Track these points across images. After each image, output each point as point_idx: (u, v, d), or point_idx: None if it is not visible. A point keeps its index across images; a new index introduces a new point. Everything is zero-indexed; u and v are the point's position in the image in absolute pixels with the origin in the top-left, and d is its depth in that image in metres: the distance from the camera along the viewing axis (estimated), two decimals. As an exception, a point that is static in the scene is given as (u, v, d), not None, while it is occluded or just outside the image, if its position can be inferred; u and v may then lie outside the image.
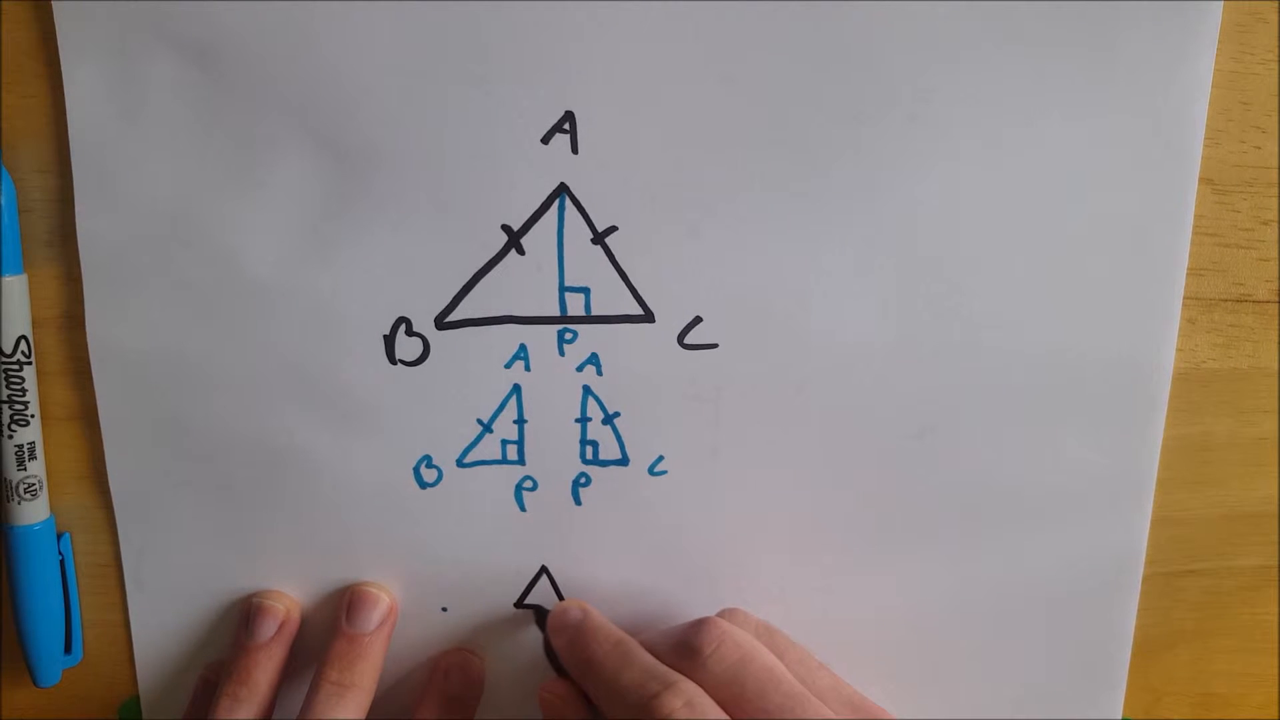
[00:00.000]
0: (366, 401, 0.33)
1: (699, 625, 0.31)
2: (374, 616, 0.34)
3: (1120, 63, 0.31)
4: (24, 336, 0.31)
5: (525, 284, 0.32)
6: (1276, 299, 0.35)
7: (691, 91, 0.31)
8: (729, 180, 0.32)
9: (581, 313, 0.33)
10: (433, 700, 0.35)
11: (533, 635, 0.36)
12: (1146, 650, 0.38)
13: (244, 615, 0.34)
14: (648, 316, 0.33)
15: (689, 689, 0.29)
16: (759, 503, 0.35)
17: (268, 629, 0.33)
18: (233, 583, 0.34)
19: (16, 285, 0.31)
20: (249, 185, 0.31)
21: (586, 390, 0.33)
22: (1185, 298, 0.34)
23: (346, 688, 0.32)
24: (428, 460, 0.34)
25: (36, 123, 0.30)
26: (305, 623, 0.35)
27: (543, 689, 0.33)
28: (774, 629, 0.33)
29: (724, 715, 0.28)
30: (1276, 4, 0.32)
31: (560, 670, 0.33)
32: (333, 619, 0.34)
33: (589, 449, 0.34)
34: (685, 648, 0.30)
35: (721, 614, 0.33)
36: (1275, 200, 0.34)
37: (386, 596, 0.34)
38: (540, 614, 0.35)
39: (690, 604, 0.35)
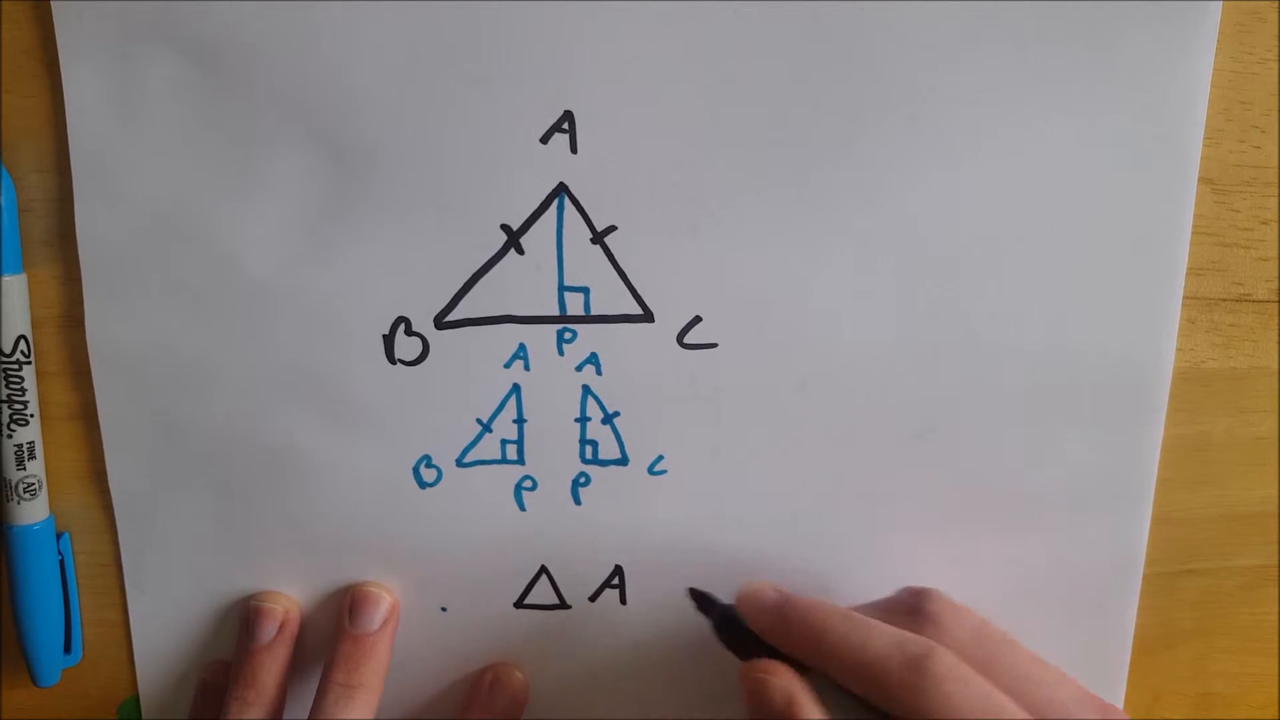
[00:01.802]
0: (366, 401, 0.33)
1: (925, 594, 0.31)
2: (377, 616, 0.34)
3: (1120, 62, 0.31)
4: (23, 336, 0.31)
5: (524, 284, 0.32)
6: (1276, 299, 0.35)
7: (691, 91, 0.31)
8: (728, 180, 0.32)
9: (581, 312, 0.33)
10: (476, 716, 0.35)
11: (533, 635, 0.36)
12: (1146, 650, 0.38)
13: (243, 618, 0.34)
14: (647, 316, 0.33)
15: (950, 651, 0.28)
16: (758, 503, 0.35)
17: (268, 630, 0.33)
18: (232, 583, 0.34)
19: (16, 285, 0.31)
20: (248, 185, 0.31)
21: (586, 390, 0.33)
22: (1185, 297, 0.34)
23: (354, 689, 0.32)
24: (427, 460, 0.34)
25: (36, 123, 0.30)
26: (306, 622, 0.35)
27: (754, 667, 0.30)
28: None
29: (982, 677, 0.28)
30: (1276, 4, 0.32)
31: (741, 652, 0.32)
32: (335, 619, 0.34)
33: (588, 449, 0.34)
34: (920, 614, 0.30)
35: (915, 590, 0.32)
36: (1275, 200, 0.34)
37: (388, 595, 0.34)
38: (701, 598, 0.33)
39: (690, 603, 0.35)
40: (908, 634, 0.29)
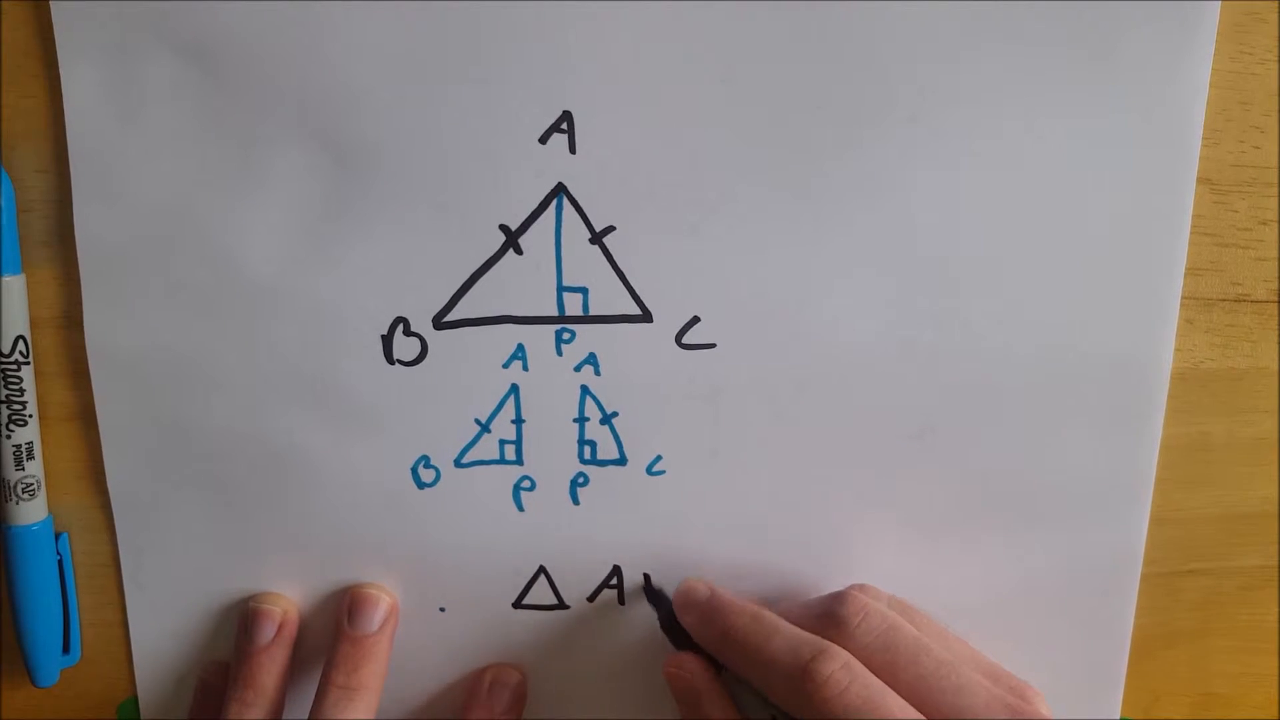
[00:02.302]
0: (364, 401, 0.33)
1: (840, 597, 0.31)
2: (376, 617, 0.34)
3: (1119, 63, 0.31)
4: (22, 336, 0.31)
5: (523, 284, 0.32)
6: (1275, 299, 0.35)
7: (690, 91, 0.31)
8: (727, 180, 0.32)
9: (579, 312, 0.33)
10: (476, 716, 0.35)
11: (532, 636, 0.36)
12: (1145, 650, 0.38)
13: (242, 620, 0.34)
14: (646, 316, 0.33)
15: (842, 652, 0.29)
16: (757, 503, 0.35)
17: (267, 631, 0.33)
18: (231, 583, 0.34)
19: (15, 285, 0.31)
20: (248, 185, 0.31)
21: (584, 390, 0.33)
22: (1183, 297, 0.34)
23: (354, 690, 0.32)
24: (426, 460, 0.34)
25: (35, 123, 0.30)
26: (305, 623, 0.35)
27: (669, 661, 0.33)
28: (906, 603, 0.34)
29: (877, 680, 0.28)
30: (1276, 4, 0.32)
31: (680, 647, 0.34)
32: (334, 621, 0.34)
33: (587, 449, 0.34)
34: (830, 617, 0.31)
35: (852, 589, 0.33)
36: (1274, 200, 0.34)
37: (387, 597, 0.34)
38: (652, 591, 0.35)
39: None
40: (806, 635, 0.30)
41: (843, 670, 0.28)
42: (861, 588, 0.34)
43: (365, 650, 0.33)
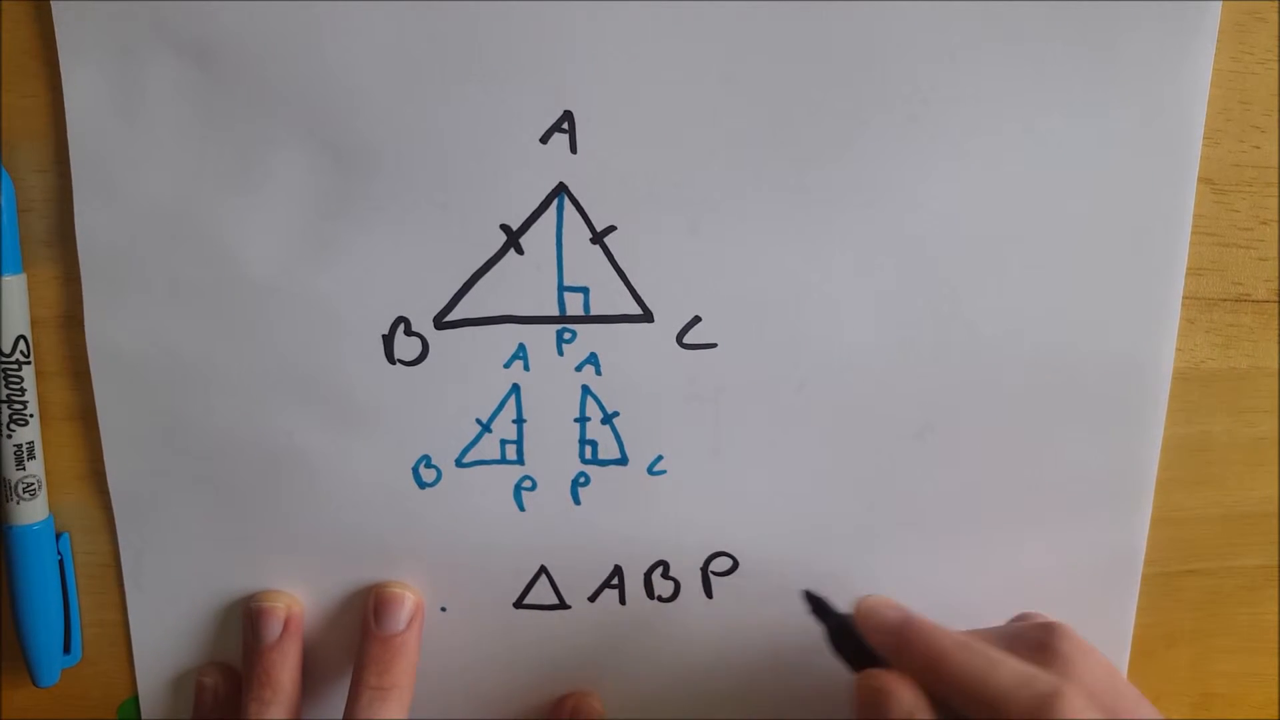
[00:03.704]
0: (365, 401, 0.33)
1: (1055, 629, 0.30)
2: (402, 616, 0.34)
3: (1120, 62, 0.31)
4: (23, 336, 0.31)
5: (524, 284, 0.32)
6: (1275, 299, 0.35)
7: (691, 91, 0.31)
8: (728, 180, 0.32)
9: (580, 312, 0.33)
10: None
11: (532, 635, 0.36)
12: (1146, 650, 0.38)
13: (247, 620, 0.34)
14: (647, 316, 0.33)
15: (1081, 691, 0.27)
16: (758, 503, 0.35)
17: (274, 628, 0.33)
18: (232, 583, 0.34)
19: (15, 285, 0.31)
20: (248, 185, 0.31)
21: (585, 390, 0.33)
22: (1184, 297, 0.34)
23: (387, 690, 0.32)
24: (427, 460, 0.34)
25: (36, 123, 0.30)
26: (309, 623, 0.35)
27: (874, 678, 0.30)
28: None
29: None
30: (1276, 4, 0.32)
31: (854, 664, 0.32)
32: (336, 618, 0.34)
33: (588, 449, 0.34)
34: (1049, 651, 0.29)
35: (1043, 624, 0.31)
36: (1274, 200, 0.34)
37: (411, 594, 0.34)
38: (818, 604, 0.33)
39: (690, 603, 0.35)
40: (1036, 670, 0.28)
41: (1086, 708, 0.27)
42: (1058, 622, 0.31)
43: (395, 649, 0.33)
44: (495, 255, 0.32)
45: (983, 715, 0.28)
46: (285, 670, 0.33)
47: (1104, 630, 0.37)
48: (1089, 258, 0.33)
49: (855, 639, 0.32)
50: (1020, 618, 0.33)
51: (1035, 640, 0.30)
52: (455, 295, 0.32)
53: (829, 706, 0.37)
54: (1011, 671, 0.28)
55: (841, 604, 0.33)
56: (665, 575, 0.35)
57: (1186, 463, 0.36)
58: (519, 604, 0.35)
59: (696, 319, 0.33)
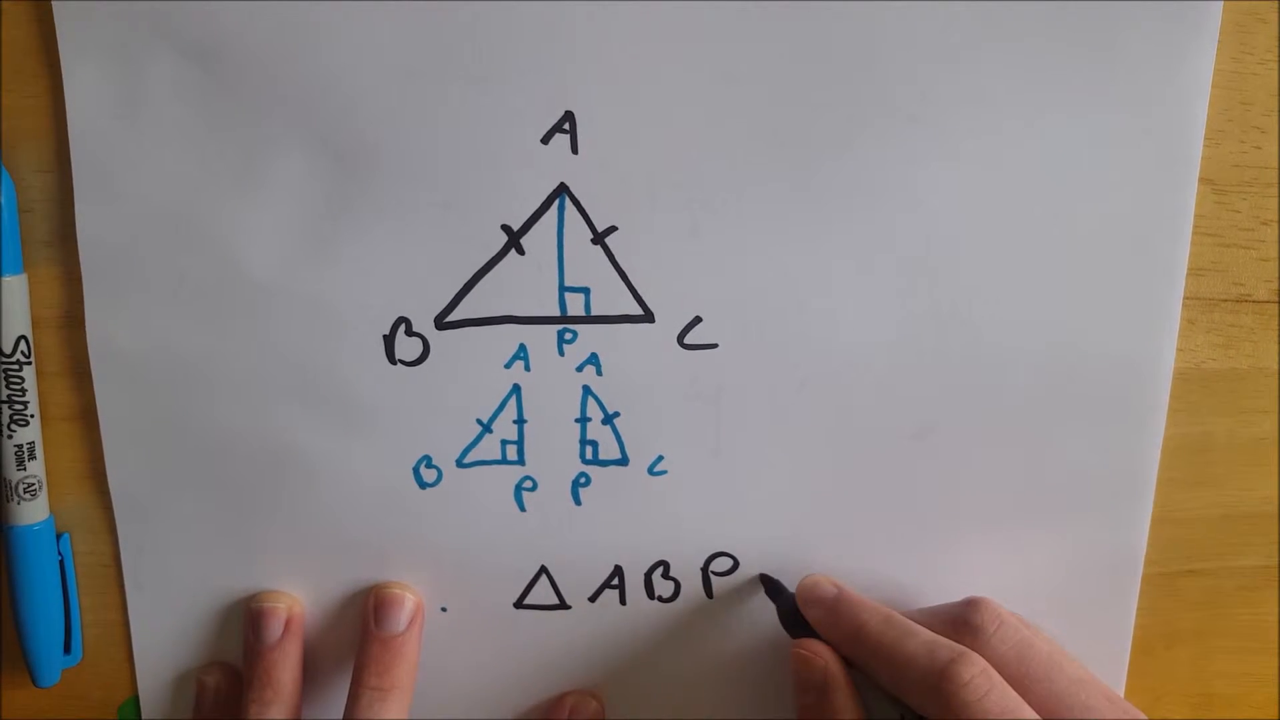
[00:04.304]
0: (366, 401, 0.33)
1: (975, 604, 0.32)
2: (403, 617, 0.34)
3: (1120, 63, 0.31)
4: (24, 336, 0.31)
5: (525, 284, 0.32)
6: (1276, 299, 0.35)
7: (692, 91, 0.31)
8: (729, 180, 0.32)
9: (581, 313, 0.33)
10: None
11: (533, 636, 0.36)
12: (1146, 650, 0.38)
13: (248, 621, 0.34)
14: (648, 316, 0.33)
15: (979, 659, 0.29)
16: (758, 503, 0.35)
17: (275, 629, 0.33)
18: (232, 583, 0.34)
19: (16, 285, 0.31)
20: (249, 185, 0.31)
21: (586, 390, 0.33)
22: (1185, 298, 0.34)
23: (387, 691, 0.32)
24: (427, 460, 0.34)
25: (36, 123, 0.30)
26: (309, 623, 0.35)
27: (802, 645, 0.33)
28: (1026, 621, 0.33)
29: (1012, 690, 0.28)
30: (1276, 4, 0.32)
31: (798, 638, 0.34)
32: (337, 619, 0.34)
33: (589, 449, 0.34)
34: (964, 624, 0.31)
35: (981, 599, 0.33)
36: (1275, 200, 0.34)
37: (411, 595, 0.34)
38: (771, 585, 0.35)
39: (690, 603, 0.35)
40: (943, 639, 0.30)
41: (982, 676, 0.28)
42: (983, 598, 0.33)
43: (395, 650, 0.33)
44: (496, 255, 0.32)
45: (892, 681, 0.30)
46: (286, 671, 0.33)
47: (1104, 630, 0.37)
48: (1089, 258, 0.33)
49: (800, 616, 0.34)
50: (958, 601, 0.34)
51: (954, 615, 0.32)
52: (456, 295, 0.32)
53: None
54: (919, 641, 0.30)
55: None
56: (666, 575, 0.35)
57: (1187, 463, 0.36)
58: (519, 604, 0.35)
59: (697, 319, 0.33)
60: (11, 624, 0.33)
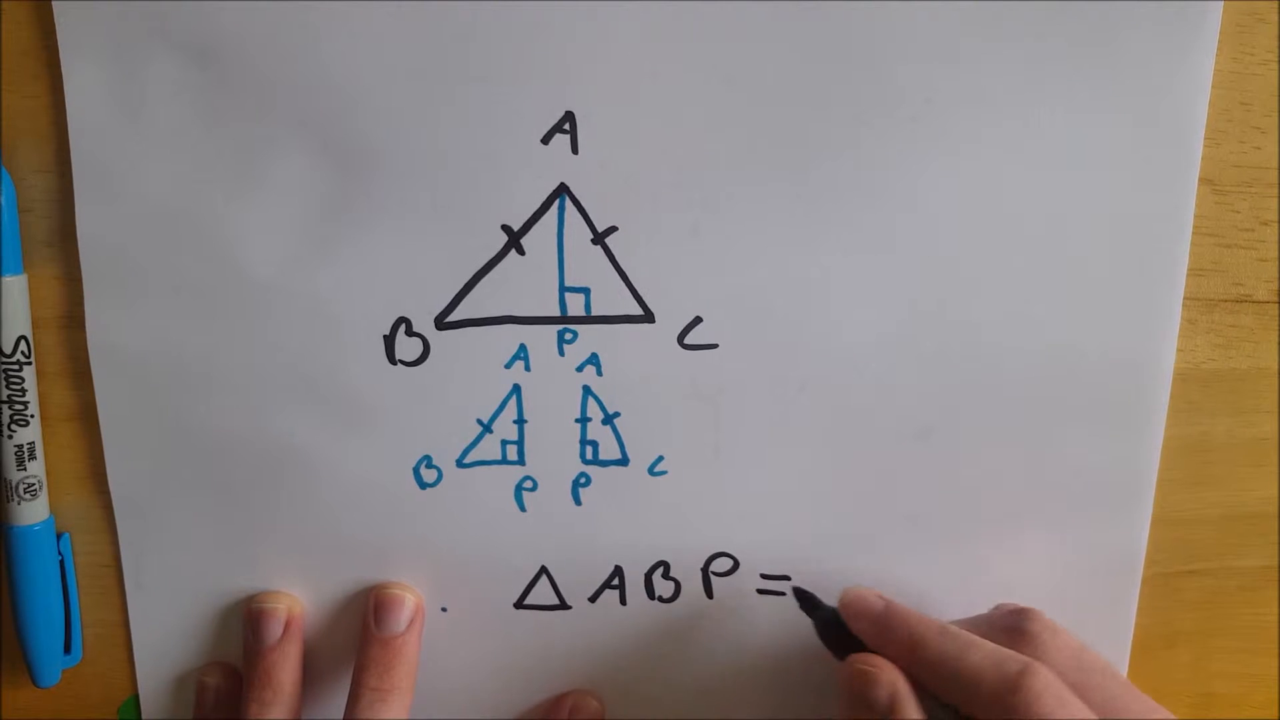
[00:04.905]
0: (366, 401, 0.33)
1: (1026, 613, 0.32)
2: (402, 618, 0.34)
3: (1120, 63, 0.31)
4: (24, 337, 0.31)
5: (525, 284, 0.32)
6: (1276, 299, 0.35)
7: (692, 91, 0.31)
8: (729, 180, 0.31)
9: (581, 313, 0.33)
10: None
11: (533, 636, 0.36)
12: (1146, 650, 0.38)
13: (248, 621, 0.34)
14: (648, 317, 0.33)
15: (1047, 670, 0.29)
16: (759, 503, 0.35)
17: (274, 630, 0.33)
18: (233, 583, 0.34)
19: (16, 285, 0.31)
20: (249, 185, 0.31)
21: (586, 390, 0.33)
22: (1185, 298, 0.34)
23: (387, 692, 0.32)
24: (428, 460, 0.34)
25: (36, 123, 0.30)
26: (309, 623, 0.35)
27: (861, 660, 0.31)
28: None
29: (1078, 699, 0.28)
30: (1276, 4, 0.32)
31: (840, 655, 0.32)
32: (337, 619, 0.34)
33: (589, 449, 0.34)
34: (1020, 634, 0.31)
35: (1016, 609, 0.33)
36: (1275, 201, 0.34)
37: (411, 596, 0.34)
38: (807, 598, 0.34)
39: (690, 603, 0.35)
40: (1006, 650, 0.30)
41: (1055, 686, 0.28)
42: (1029, 608, 0.33)
43: (395, 651, 0.33)
44: (496, 256, 0.32)
45: (957, 695, 0.29)
46: (286, 671, 0.33)
47: (1104, 630, 0.37)
48: (1090, 258, 0.33)
49: (842, 630, 0.32)
50: (998, 607, 0.34)
51: (1008, 624, 0.32)
52: (456, 295, 0.32)
53: (829, 707, 0.37)
54: (983, 653, 0.29)
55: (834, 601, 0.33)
56: (666, 576, 0.35)
57: (1187, 463, 0.36)
58: (519, 604, 0.35)
59: (697, 319, 0.33)
60: (11, 624, 0.33)
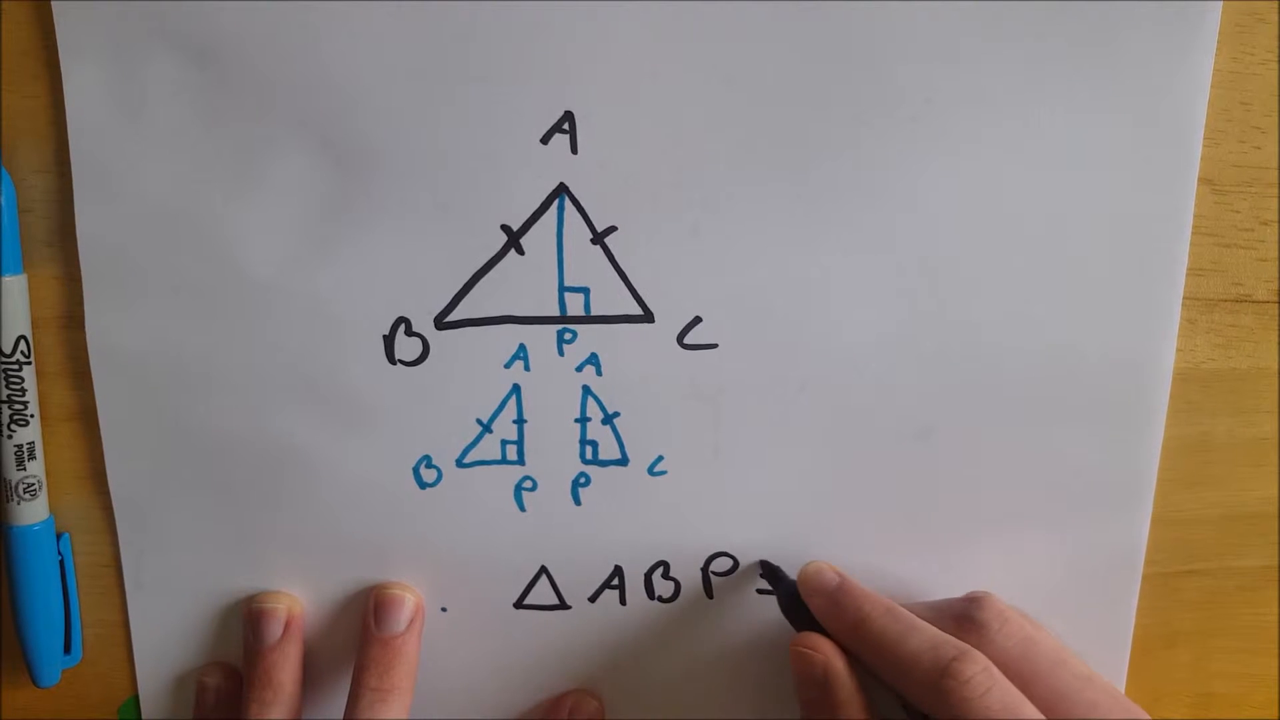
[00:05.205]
0: (366, 401, 0.33)
1: (979, 601, 0.32)
2: (402, 618, 0.34)
3: (1120, 63, 0.31)
4: (24, 336, 0.31)
5: (525, 284, 0.32)
6: (1276, 299, 0.35)
7: (691, 91, 0.31)
8: (729, 180, 0.31)
9: (581, 313, 0.33)
10: None
11: (533, 636, 0.36)
12: (1146, 650, 0.38)
13: (248, 621, 0.34)
14: (647, 316, 0.33)
15: (983, 656, 0.29)
16: (758, 503, 0.35)
17: (274, 630, 0.33)
18: (233, 583, 0.34)
19: (16, 285, 0.31)
20: (249, 185, 0.31)
21: (586, 390, 0.33)
22: (1185, 298, 0.34)
23: (387, 692, 0.32)
24: (427, 460, 0.34)
25: (36, 123, 0.30)
26: (310, 623, 0.35)
27: (800, 641, 0.32)
28: (1030, 618, 0.34)
29: (1015, 688, 0.29)
30: (1276, 4, 0.32)
31: (801, 629, 0.33)
32: (337, 619, 0.34)
33: (588, 449, 0.34)
34: (967, 620, 0.31)
35: (985, 594, 0.33)
36: (1275, 200, 0.34)
37: (411, 596, 0.34)
38: (771, 571, 0.35)
39: (690, 603, 0.35)
40: (946, 636, 0.30)
41: (984, 673, 0.28)
42: (985, 596, 0.33)
43: (395, 651, 0.33)
44: (496, 255, 0.32)
45: (894, 677, 0.30)
46: (286, 671, 0.33)
47: (1104, 630, 0.37)
48: (1089, 258, 0.33)
49: (803, 606, 0.33)
50: (962, 596, 0.34)
51: (957, 611, 0.32)
52: (456, 295, 0.32)
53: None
54: (922, 636, 0.30)
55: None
56: (666, 576, 0.35)
57: (1187, 463, 0.36)
58: (519, 604, 0.35)
59: (697, 319, 0.33)
60: (11, 624, 0.33)
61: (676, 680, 0.36)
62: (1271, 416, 0.36)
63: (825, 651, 0.32)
